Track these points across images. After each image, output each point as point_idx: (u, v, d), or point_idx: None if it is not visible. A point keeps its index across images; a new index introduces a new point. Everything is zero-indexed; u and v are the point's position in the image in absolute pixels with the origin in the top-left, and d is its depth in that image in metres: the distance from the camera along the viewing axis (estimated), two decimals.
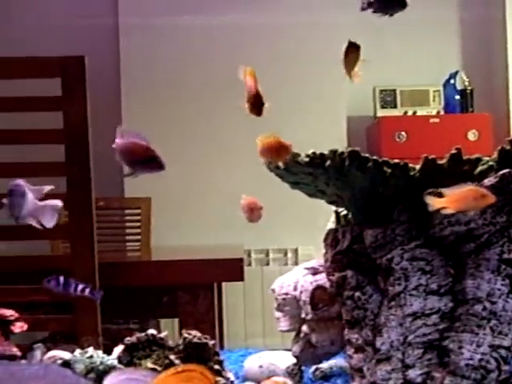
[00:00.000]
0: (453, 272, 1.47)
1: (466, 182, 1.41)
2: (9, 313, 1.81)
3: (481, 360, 1.40)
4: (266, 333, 4.49)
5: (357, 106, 4.97)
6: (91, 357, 1.66)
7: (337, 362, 1.91)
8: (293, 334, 1.88)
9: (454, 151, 1.50)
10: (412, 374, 1.43)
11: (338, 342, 1.74)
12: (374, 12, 1.36)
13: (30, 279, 2.17)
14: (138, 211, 4.04)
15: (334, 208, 1.75)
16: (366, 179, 1.49)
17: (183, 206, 4.60)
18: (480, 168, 1.50)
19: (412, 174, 1.49)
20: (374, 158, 1.47)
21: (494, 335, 1.41)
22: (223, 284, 3.69)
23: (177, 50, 4.67)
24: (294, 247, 4.61)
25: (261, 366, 1.85)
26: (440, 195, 1.32)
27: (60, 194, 2.32)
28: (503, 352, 1.41)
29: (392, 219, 1.50)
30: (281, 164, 1.49)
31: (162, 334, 1.60)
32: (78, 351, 1.69)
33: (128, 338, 1.60)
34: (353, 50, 1.48)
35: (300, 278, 1.79)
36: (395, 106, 4.97)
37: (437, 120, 4.81)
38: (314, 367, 1.91)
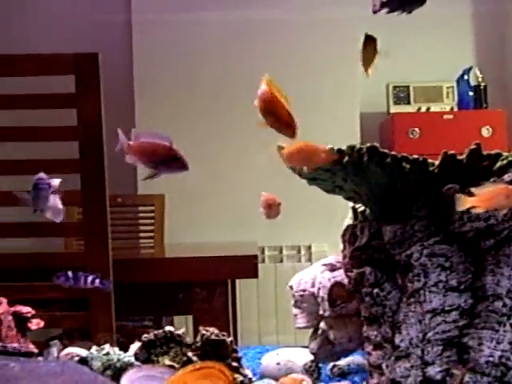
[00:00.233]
0: (472, 268, 1.45)
1: (486, 178, 1.40)
2: (25, 310, 1.80)
3: (501, 357, 1.39)
4: (279, 330, 4.49)
5: (370, 103, 4.95)
6: (108, 354, 1.65)
7: (354, 359, 1.90)
8: (307, 331, 1.87)
9: (473, 146, 1.49)
10: (431, 371, 1.42)
11: (356, 338, 1.73)
12: (391, 11, 1.35)
13: (45, 276, 2.17)
14: (152, 208, 4.04)
15: (350, 204, 1.74)
16: (385, 175, 1.48)
17: (197, 203, 4.60)
18: (500, 163, 1.48)
19: (431, 169, 1.48)
20: (393, 153, 1.46)
21: None
22: (237, 281, 3.69)
23: (190, 47, 4.66)
24: (308, 244, 4.60)
25: (278, 363, 1.84)
26: (470, 194, 1.30)
27: (74, 191, 2.33)
28: None
29: (411, 215, 1.49)
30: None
31: (180, 331, 1.59)
32: (94, 348, 1.69)
33: (145, 335, 1.59)
34: (370, 43, 1.47)
35: (318, 274, 1.78)
36: (408, 103, 4.95)
37: (450, 116, 4.79)
38: (331, 364, 1.90)
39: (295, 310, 1.84)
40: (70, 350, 1.77)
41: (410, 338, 1.45)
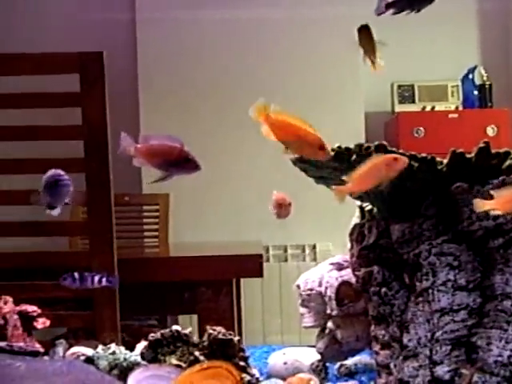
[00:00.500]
0: (481, 268, 1.45)
1: (494, 176, 1.39)
2: (31, 309, 1.80)
3: (510, 357, 1.39)
4: (284, 329, 4.48)
5: (375, 102, 4.94)
6: (114, 353, 1.64)
7: (361, 358, 1.89)
8: (313, 330, 1.86)
9: (482, 145, 1.48)
10: (440, 370, 1.42)
11: (363, 338, 1.72)
12: (399, 12, 1.33)
13: (50, 276, 2.17)
14: (157, 207, 4.03)
15: (357, 203, 1.74)
16: None
17: (201, 203, 4.58)
18: (508, 162, 1.47)
19: (440, 168, 1.47)
20: (401, 151, 1.45)
21: None
22: (241, 280, 3.68)
23: (195, 45, 4.65)
24: (313, 243, 4.59)
25: (285, 363, 1.83)
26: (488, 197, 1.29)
27: (78, 191, 2.32)
28: None
29: (419, 214, 1.48)
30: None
31: (187, 331, 1.59)
32: (100, 347, 1.68)
33: (152, 334, 1.59)
34: (365, 32, 1.45)
35: (325, 273, 1.77)
36: (413, 102, 4.93)
37: (455, 115, 4.77)
38: (338, 364, 1.89)
39: (302, 310, 1.83)
40: (75, 349, 1.77)
41: (418, 337, 1.44)
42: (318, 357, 1.82)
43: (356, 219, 1.72)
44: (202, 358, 1.51)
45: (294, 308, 1.88)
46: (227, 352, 1.52)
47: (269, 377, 1.81)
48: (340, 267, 1.77)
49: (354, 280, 1.66)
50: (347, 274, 1.72)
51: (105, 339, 2.09)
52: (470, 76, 4.91)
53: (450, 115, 4.80)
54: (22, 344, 1.68)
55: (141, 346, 1.67)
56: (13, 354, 1.59)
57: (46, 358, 1.73)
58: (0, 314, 1.73)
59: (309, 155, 1.31)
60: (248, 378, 1.50)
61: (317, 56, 4.72)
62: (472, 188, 1.44)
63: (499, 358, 1.39)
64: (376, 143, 1.45)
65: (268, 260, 4.55)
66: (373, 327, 1.56)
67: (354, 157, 1.47)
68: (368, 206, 1.69)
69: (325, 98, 4.68)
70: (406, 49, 4.94)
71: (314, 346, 1.85)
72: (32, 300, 1.86)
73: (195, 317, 2.68)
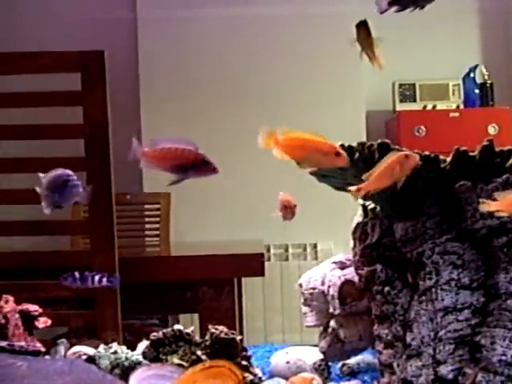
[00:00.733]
0: (484, 266, 1.44)
1: (498, 174, 1.38)
2: (32, 308, 1.79)
3: None
4: (285, 328, 4.47)
5: (376, 101, 4.93)
6: (116, 352, 1.64)
7: (364, 357, 1.89)
8: (314, 329, 1.86)
9: (485, 143, 1.47)
10: (443, 369, 1.41)
11: (366, 337, 1.72)
12: (402, 9, 1.32)
13: (51, 275, 2.16)
14: (158, 206, 4.02)
15: (359, 201, 1.73)
16: None
17: (202, 202, 4.58)
18: None
19: (443, 166, 1.46)
20: (404, 150, 1.45)
21: None
22: (242, 279, 3.67)
23: (196, 43, 4.64)
24: (314, 242, 4.59)
25: (288, 362, 1.83)
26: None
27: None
28: None
29: (422, 212, 1.47)
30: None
31: (189, 330, 1.58)
32: (102, 347, 1.67)
33: (154, 334, 1.58)
34: (362, 28, 1.45)
35: (328, 272, 1.76)
36: (414, 100, 4.93)
37: (456, 114, 4.76)
38: (341, 363, 1.89)
39: (305, 309, 1.82)
40: (77, 348, 1.76)
41: (421, 336, 1.44)
42: (321, 356, 1.81)
43: (359, 218, 1.71)
44: (204, 357, 1.51)
45: (296, 307, 1.87)
46: (229, 351, 1.52)
47: (271, 376, 1.80)
48: (343, 266, 1.76)
49: (356, 279, 1.66)
50: (350, 273, 1.72)
51: (106, 338, 2.08)
52: (472, 75, 4.91)
53: (451, 114, 4.80)
54: (23, 343, 1.68)
55: (142, 345, 1.66)
56: (14, 354, 1.58)
57: (47, 357, 1.72)
58: (1, 314, 1.72)
59: (327, 165, 1.31)
60: (250, 377, 1.50)
61: (318, 55, 4.72)
62: (475, 186, 1.43)
63: (503, 357, 1.38)
64: (379, 141, 1.44)
65: (269, 259, 4.55)
66: (376, 326, 1.56)
67: (357, 155, 1.46)
68: (371, 205, 1.68)
69: (326, 96, 4.68)
70: (408, 48, 4.94)
71: (316, 345, 1.84)
72: (33, 299, 1.86)
73: (196, 316, 2.68)
